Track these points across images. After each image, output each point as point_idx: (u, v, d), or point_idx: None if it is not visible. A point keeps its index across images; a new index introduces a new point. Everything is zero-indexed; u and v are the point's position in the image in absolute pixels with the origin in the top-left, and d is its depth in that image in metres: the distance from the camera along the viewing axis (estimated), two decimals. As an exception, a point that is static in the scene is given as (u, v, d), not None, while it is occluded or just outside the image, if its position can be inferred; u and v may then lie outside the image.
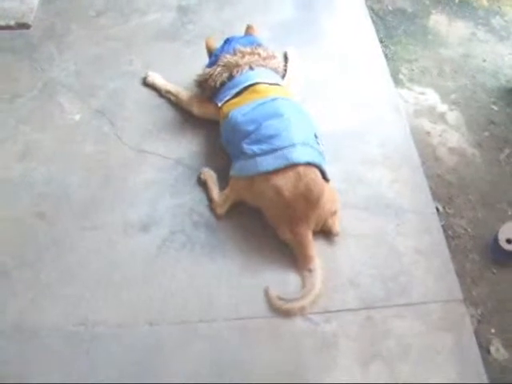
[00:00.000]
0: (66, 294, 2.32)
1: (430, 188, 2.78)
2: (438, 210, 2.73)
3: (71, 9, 3.56)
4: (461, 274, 2.52)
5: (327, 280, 2.37)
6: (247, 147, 2.46)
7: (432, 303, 2.35)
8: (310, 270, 2.37)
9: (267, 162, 2.39)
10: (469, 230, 2.72)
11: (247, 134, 2.49)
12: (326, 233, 2.51)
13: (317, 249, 2.43)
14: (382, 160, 2.83)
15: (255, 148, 2.43)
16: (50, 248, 2.45)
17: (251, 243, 2.50)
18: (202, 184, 2.66)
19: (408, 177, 2.78)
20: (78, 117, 2.94)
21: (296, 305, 2.29)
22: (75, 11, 3.54)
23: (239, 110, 2.59)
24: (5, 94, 3.02)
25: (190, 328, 2.24)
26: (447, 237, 2.64)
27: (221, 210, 2.56)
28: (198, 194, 2.64)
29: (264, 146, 2.41)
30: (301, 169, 2.37)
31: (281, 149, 2.39)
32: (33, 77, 3.12)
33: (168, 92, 3.02)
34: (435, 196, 2.79)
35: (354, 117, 3.01)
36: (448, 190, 2.87)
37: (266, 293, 2.34)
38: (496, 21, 3.87)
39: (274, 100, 2.56)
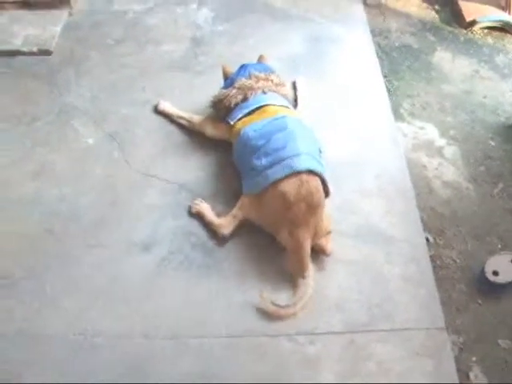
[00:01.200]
0: (69, 305, 2.44)
1: (423, 219, 2.87)
2: (428, 240, 2.82)
3: (91, 36, 3.74)
4: (446, 303, 2.60)
5: (314, 303, 2.47)
6: (256, 161, 2.61)
7: (415, 330, 2.43)
8: (304, 277, 2.49)
9: (276, 172, 2.54)
10: (458, 260, 2.79)
11: (257, 149, 2.65)
12: (319, 252, 2.61)
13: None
14: (376, 191, 2.92)
15: (264, 161, 2.59)
16: (56, 262, 2.59)
17: (246, 265, 2.61)
18: (194, 215, 2.77)
19: (401, 208, 2.86)
20: (91, 141, 3.09)
21: (289, 311, 2.41)
22: (95, 39, 3.73)
23: (251, 127, 2.75)
24: (24, 117, 3.19)
25: (182, 342, 2.35)
26: (436, 267, 2.72)
27: (226, 230, 2.65)
28: (197, 217, 2.75)
29: (271, 158, 2.57)
30: (303, 175, 2.52)
31: (286, 159, 2.54)
32: (51, 101, 3.28)
33: (180, 117, 3.17)
34: (427, 227, 2.88)
35: (353, 147, 3.12)
36: (440, 221, 2.95)
37: (261, 296, 2.43)
38: (500, 58, 3.98)
39: (283, 117, 2.73)
